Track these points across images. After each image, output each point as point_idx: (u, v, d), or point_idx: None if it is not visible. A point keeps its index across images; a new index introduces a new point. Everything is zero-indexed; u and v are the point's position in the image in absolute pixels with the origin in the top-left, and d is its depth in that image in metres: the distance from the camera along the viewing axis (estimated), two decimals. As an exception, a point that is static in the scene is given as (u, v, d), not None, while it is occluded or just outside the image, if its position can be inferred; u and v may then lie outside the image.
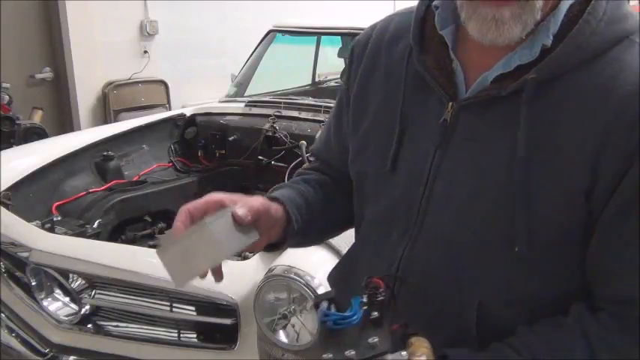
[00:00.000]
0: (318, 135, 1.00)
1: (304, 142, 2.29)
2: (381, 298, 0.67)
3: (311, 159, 1.06)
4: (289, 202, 0.84)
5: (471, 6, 0.68)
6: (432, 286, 0.75)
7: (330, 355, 0.62)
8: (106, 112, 4.11)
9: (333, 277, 0.98)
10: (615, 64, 0.67)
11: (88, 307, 1.68)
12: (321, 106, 2.57)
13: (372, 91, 0.85)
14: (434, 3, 0.78)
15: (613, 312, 0.67)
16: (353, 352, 0.62)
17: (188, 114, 2.81)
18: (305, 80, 3.70)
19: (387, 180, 0.80)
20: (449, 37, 0.76)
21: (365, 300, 0.66)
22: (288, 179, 2.26)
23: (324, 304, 0.68)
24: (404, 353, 0.61)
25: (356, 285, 0.73)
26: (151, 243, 2.20)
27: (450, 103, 0.74)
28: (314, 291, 1.30)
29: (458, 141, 0.74)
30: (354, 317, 0.65)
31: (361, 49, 0.88)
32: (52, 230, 1.84)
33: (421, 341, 0.63)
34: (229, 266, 1.56)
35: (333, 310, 0.67)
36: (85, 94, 4.04)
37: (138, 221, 2.33)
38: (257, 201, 0.77)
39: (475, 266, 0.72)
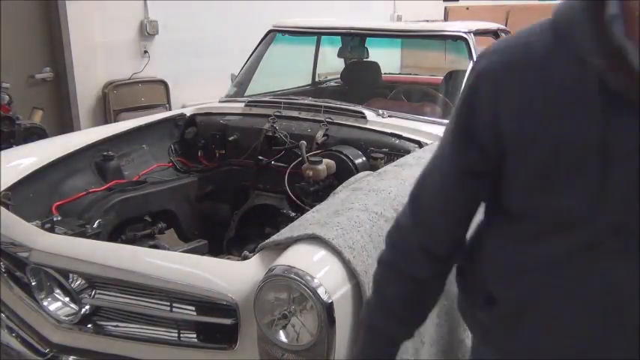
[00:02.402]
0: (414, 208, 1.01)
1: (304, 142, 2.29)
2: None
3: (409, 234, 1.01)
4: None
5: None
6: None
7: None
8: (106, 112, 4.11)
9: (506, 313, 0.93)
10: None
11: (88, 307, 1.68)
12: (321, 106, 2.56)
13: (540, 120, 0.80)
14: (609, 12, 0.74)
15: None
16: None
17: (188, 114, 2.81)
18: (305, 80, 3.70)
19: (592, 207, 0.78)
20: (634, 48, 0.72)
21: None
22: (288, 179, 2.29)
23: None
24: None
25: (550, 318, 0.83)
26: (151, 243, 2.20)
27: None
28: (314, 291, 1.30)
29: None
30: None
31: (496, 79, 0.84)
32: (52, 230, 1.84)
33: None
34: (229, 266, 1.57)
35: None
36: (85, 94, 4.04)
37: (138, 221, 2.33)
38: None
39: None
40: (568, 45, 0.78)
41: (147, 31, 4.26)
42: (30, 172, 2.13)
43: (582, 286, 0.82)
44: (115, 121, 3.90)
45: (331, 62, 3.73)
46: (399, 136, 2.32)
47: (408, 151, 2.22)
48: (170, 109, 4.24)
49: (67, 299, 1.74)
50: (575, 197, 0.79)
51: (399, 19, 6.41)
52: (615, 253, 0.79)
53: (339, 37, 3.47)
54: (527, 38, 0.84)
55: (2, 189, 1.99)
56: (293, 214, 2.25)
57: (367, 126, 2.41)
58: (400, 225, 1.03)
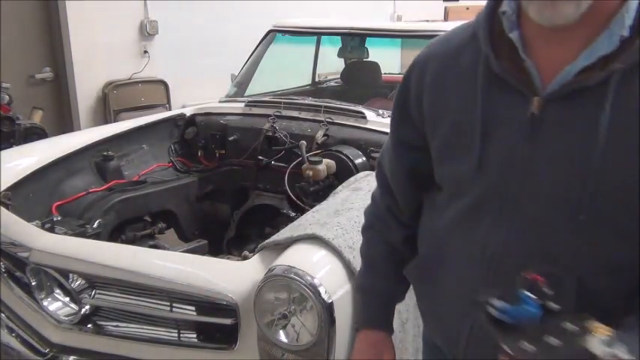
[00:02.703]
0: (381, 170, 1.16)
1: (304, 142, 2.29)
2: (548, 291, 0.72)
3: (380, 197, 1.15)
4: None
5: None
6: (530, 264, 0.83)
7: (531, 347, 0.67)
8: (106, 112, 4.11)
9: (416, 272, 1.08)
10: None
11: (88, 307, 1.68)
12: (321, 106, 2.56)
13: (446, 100, 0.94)
14: (501, 9, 0.87)
15: None
16: (534, 349, 0.67)
17: (188, 114, 2.81)
18: (305, 80, 3.70)
19: (475, 174, 0.89)
20: (517, 39, 0.84)
21: (533, 295, 0.73)
22: (288, 179, 2.29)
23: (497, 302, 0.73)
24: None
25: (445, 275, 0.96)
26: (151, 243, 2.20)
27: (536, 98, 0.82)
28: (314, 291, 1.30)
29: (547, 131, 0.82)
30: (535, 311, 0.71)
31: (423, 66, 0.98)
32: (52, 230, 1.84)
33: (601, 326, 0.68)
34: (229, 266, 1.57)
35: (505, 304, 0.72)
36: (85, 94, 4.04)
37: (138, 221, 2.33)
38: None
39: (572, 243, 0.83)
40: (476, 36, 0.91)
41: (147, 31, 4.26)
42: (30, 172, 2.13)
43: (469, 244, 0.92)
44: (115, 121, 3.90)
45: (331, 62, 3.72)
46: (399, 136, 2.32)
47: (408, 151, 2.21)
48: (170, 109, 4.24)
49: (67, 299, 1.74)
50: (465, 166, 0.90)
51: (399, 19, 6.41)
52: (491, 216, 0.89)
53: (339, 37, 3.47)
54: (453, 33, 0.98)
55: (2, 189, 1.99)
56: (293, 214, 2.25)
57: (367, 126, 2.41)
58: (373, 195, 1.18)
